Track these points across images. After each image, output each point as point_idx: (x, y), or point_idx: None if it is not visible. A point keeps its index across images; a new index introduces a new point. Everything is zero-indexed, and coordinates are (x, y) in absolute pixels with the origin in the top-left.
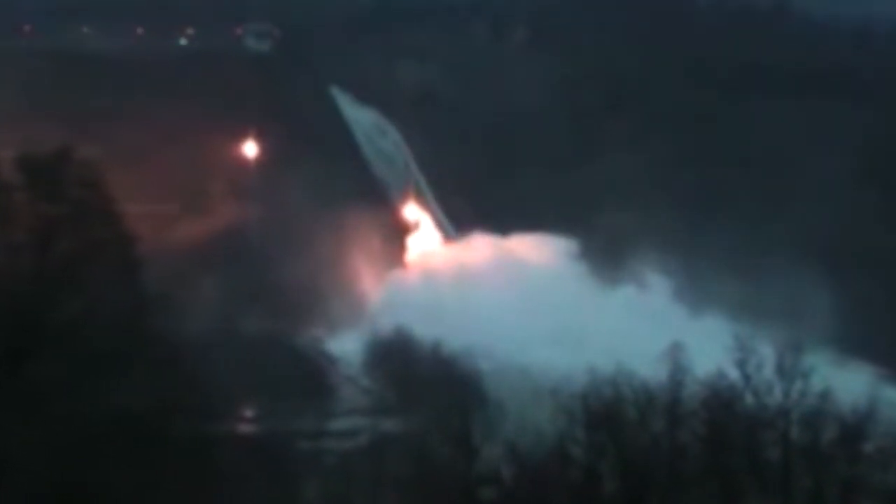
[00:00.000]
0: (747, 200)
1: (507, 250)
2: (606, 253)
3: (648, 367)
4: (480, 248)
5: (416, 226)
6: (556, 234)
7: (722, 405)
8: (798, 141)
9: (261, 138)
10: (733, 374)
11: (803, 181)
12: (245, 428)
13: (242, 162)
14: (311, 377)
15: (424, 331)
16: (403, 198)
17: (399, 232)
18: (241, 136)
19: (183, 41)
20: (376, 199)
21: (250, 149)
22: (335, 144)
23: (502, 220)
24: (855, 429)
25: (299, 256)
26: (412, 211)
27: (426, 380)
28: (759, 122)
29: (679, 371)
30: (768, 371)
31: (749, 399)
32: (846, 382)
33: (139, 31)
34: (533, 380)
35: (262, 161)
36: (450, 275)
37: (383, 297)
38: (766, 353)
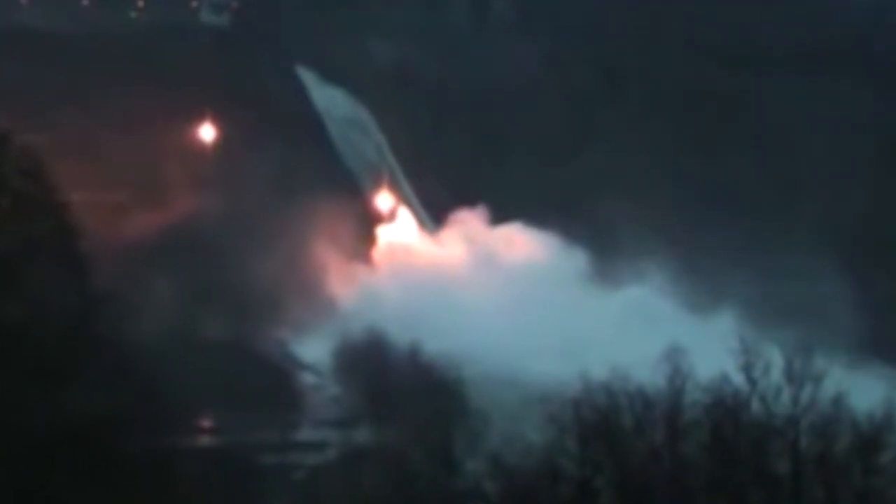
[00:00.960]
0: (756, 189)
1: (492, 245)
2: (601, 248)
3: (646, 372)
4: (462, 242)
5: (391, 218)
6: (546, 228)
7: (726, 413)
8: (811, 123)
9: (219, 121)
10: (738, 378)
11: (817, 167)
12: (204, 440)
13: (199, 147)
14: (275, 384)
15: (400, 333)
16: (376, 187)
17: (372, 224)
18: (197, 119)
19: (132, 14)
20: (346, 189)
21: (207, 133)
22: (301, 128)
23: (487, 213)
24: (871, 438)
25: (262, 251)
26: (386, 201)
27: (403, 387)
28: (769, 103)
29: (680, 376)
30: (776, 375)
31: (756, 406)
32: (861, 387)
33: (84, 3)
34: (520, 387)
35: (220, 146)
36: (428, 272)
37: (355, 296)
38: (774, 356)
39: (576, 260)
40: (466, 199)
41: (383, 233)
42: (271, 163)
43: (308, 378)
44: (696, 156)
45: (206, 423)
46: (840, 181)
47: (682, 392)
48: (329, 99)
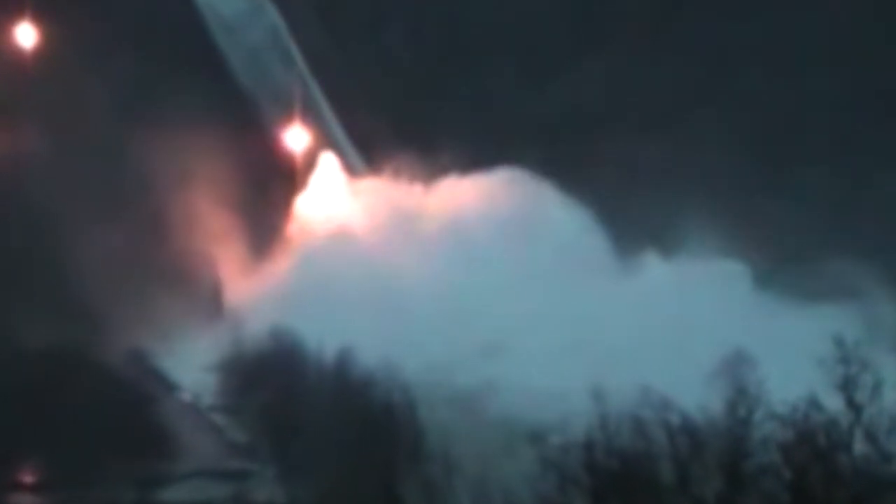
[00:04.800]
0: (839, 111)
1: (454, 198)
2: (618, 204)
3: (694, 393)
4: (412, 198)
5: (307, 161)
6: (534, 173)
7: (815, 455)
8: None
9: (45, 19)
10: (833, 403)
11: None
12: (27, 500)
13: (15, 59)
14: (132, 416)
15: (320, 335)
16: (285, 117)
17: (278, 172)
18: (11, 17)
19: None
20: (241, 121)
21: (26, 36)
22: (171, 30)
23: (447, 153)
24: None
25: (111, 218)
26: (299, 138)
27: (325, 418)
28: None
29: (745, 399)
30: (893, 398)
31: (860, 445)
32: None
33: None
34: (500, 416)
35: (46, 56)
36: (361, 245)
37: (253, 283)
38: (889, 369)
39: (580, 222)
40: (418, 133)
41: (296, 185)
42: (125, 82)
43: (181, 406)
44: (749, 67)
45: (25, 475)
46: None
47: (748, 423)
48: None
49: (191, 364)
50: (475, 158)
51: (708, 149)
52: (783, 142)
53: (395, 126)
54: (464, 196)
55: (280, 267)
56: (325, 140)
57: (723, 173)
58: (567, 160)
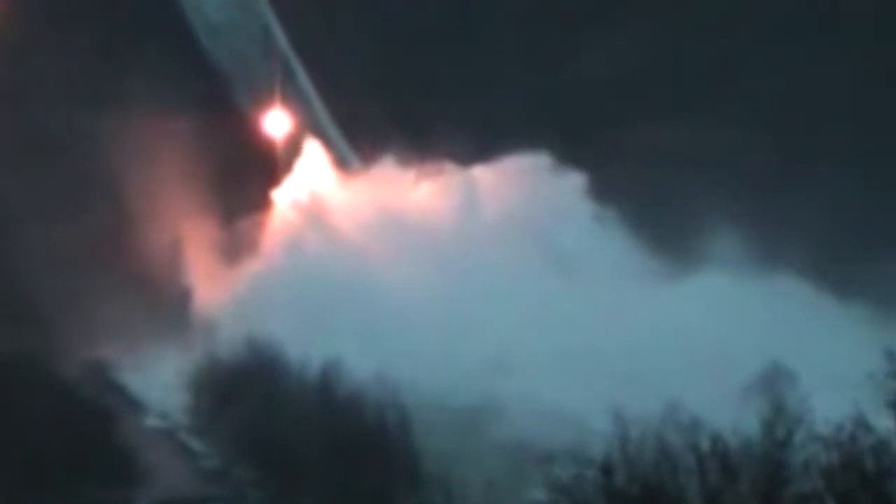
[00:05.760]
0: (872, 108)
1: (455, 192)
2: (646, 197)
3: (725, 411)
4: (406, 188)
5: (289, 151)
6: (552, 159)
7: (862, 481)
8: None
9: None
10: (883, 423)
11: None
12: None
13: None
14: (91, 436)
15: (304, 347)
16: (264, 101)
17: (255, 162)
18: None
19: None
20: (213, 103)
21: None
22: (137, 4)
23: (446, 139)
24: None
25: (70, 213)
26: (280, 123)
27: (309, 440)
28: None
29: (784, 418)
30: None
31: None
32: None
33: None
34: (507, 439)
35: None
36: (349, 238)
37: (228, 285)
38: None
39: (596, 219)
40: (414, 121)
41: (277, 177)
42: (85, 58)
43: (147, 426)
44: (775, 57)
45: None
46: None
47: (787, 446)
48: None
49: (158, 379)
50: (478, 148)
51: (728, 145)
52: (814, 139)
53: (389, 113)
54: (465, 190)
55: (258, 269)
56: (310, 128)
57: (751, 172)
58: (582, 150)
